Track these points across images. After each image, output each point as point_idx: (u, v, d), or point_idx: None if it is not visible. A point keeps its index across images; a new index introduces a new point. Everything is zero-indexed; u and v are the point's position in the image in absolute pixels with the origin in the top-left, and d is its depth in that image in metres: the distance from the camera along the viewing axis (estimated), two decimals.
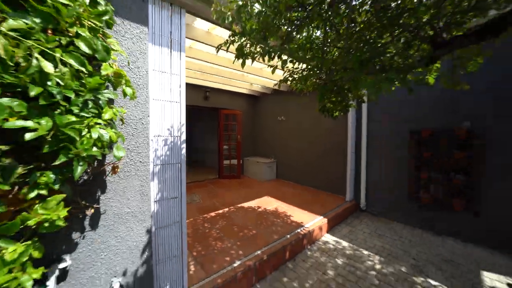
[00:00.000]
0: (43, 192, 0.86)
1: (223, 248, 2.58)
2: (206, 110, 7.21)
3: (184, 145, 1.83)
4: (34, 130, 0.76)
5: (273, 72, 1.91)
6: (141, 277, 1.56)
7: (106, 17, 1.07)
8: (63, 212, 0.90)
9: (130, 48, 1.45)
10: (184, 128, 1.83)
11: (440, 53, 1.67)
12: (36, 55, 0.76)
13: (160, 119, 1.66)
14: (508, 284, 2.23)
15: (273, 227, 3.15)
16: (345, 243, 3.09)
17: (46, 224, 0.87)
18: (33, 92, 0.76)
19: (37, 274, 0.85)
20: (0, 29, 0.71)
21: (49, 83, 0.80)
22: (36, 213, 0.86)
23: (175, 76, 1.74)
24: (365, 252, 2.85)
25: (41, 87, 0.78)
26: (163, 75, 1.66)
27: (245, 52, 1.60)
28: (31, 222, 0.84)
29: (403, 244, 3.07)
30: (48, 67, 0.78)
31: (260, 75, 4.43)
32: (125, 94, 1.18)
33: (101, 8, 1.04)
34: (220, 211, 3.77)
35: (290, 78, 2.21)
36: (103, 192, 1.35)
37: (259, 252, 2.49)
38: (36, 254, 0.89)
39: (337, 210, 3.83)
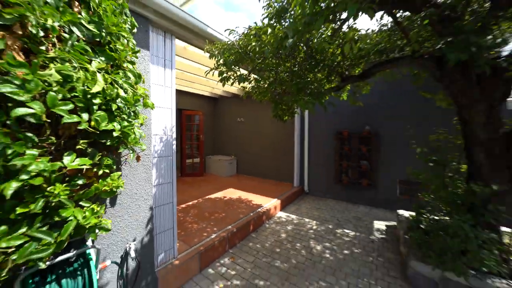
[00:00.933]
0: (107, 170, 1.31)
1: (200, 228, 3.12)
2: None
3: (174, 142, 2.33)
4: (112, 130, 1.22)
5: (244, 95, 2.62)
6: (145, 244, 2.01)
7: (136, 52, 1.54)
8: (121, 183, 1.35)
9: (139, 67, 1.89)
10: (174, 129, 2.33)
11: (344, 84, 2.74)
12: (116, 85, 1.23)
13: (157, 121, 2.13)
14: (386, 226, 3.62)
15: (239, 209, 3.85)
16: (293, 216, 4.08)
17: (108, 191, 1.32)
18: (114, 107, 1.22)
19: (97, 220, 1.29)
20: (93, 68, 1.16)
21: (118, 101, 1.27)
22: (102, 184, 1.30)
23: (168, 88, 2.23)
24: (307, 220, 3.89)
25: (115, 104, 1.24)
26: (160, 88, 2.14)
27: (224, 76, 2.25)
28: (99, 190, 1.28)
29: (332, 212, 4.28)
30: (122, 93, 1.25)
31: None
32: (146, 105, 1.65)
33: (132, 47, 1.52)
34: (190, 203, 4.21)
35: (254, 92, 2.96)
36: (121, 177, 1.77)
37: (230, 227, 3.15)
38: (100, 211, 1.32)
39: (287, 194, 4.84)
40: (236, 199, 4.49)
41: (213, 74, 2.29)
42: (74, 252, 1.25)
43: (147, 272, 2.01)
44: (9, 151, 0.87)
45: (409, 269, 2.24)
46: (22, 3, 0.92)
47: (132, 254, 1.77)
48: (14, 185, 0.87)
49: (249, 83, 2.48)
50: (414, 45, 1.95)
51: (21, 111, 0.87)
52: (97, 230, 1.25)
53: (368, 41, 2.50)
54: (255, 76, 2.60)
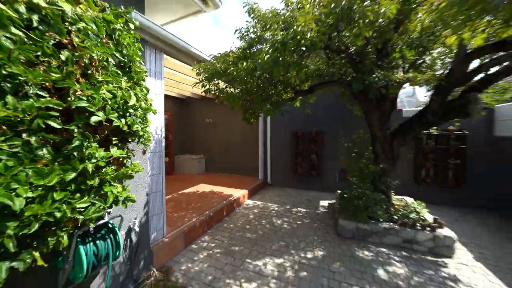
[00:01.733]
0: (129, 159, 1.78)
1: (180, 216, 3.58)
2: None
3: (163, 140, 2.80)
4: (136, 131, 1.71)
5: (219, 101, 3.25)
6: (143, 224, 2.45)
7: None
8: (142, 169, 1.84)
9: None
10: (163, 129, 2.80)
11: (296, 96, 3.64)
12: (141, 100, 1.72)
13: (152, 123, 2.59)
14: (328, 203, 4.76)
15: (212, 200, 4.42)
16: (259, 202, 4.87)
17: (128, 175, 1.80)
18: (138, 114, 1.71)
19: (126, 194, 1.77)
20: (125, 86, 1.65)
21: (139, 109, 1.76)
22: (125, 170, 1.76)
23: (159, 95, 2.70)
24: (270, 204, 4.74)
25: (138, 111, 1.74)
26: (153, 95, 2.60)
27: (206, 88, 2.84)
28: (124, 174, 1.76)
29: (289, 197, 5.25)
30: (142, 104, 1.75)
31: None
32: (153, 112, 2.13)
33: (145, 69, 2.00)
34: (166, 198, 4.55)
35: (227, 99, 3.60)
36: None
37: (207, 212, 3.71)
38: (127, 188, 1.78)
39: (253, 186, 5.62)
40: (209, 192, 5.03)
41: (197, 87, 2.85)
42: (109, 218, 1.71)
43: (144, 247, 2.46)
44: (85, 144, 1.34)
45: (338, 226, 3.27)
46: (87, 47, 1.39)
47: (137, 229, 2.22)
48: (90, 165, 1.34)
49: (223, 94, 3.14)
50: (338, 74, 2.96)
51: (94, 119, 1.35)
52: (126, 202, 1.73)
53: (311, 66, 3.45)
54: (229, 87, 3.28)
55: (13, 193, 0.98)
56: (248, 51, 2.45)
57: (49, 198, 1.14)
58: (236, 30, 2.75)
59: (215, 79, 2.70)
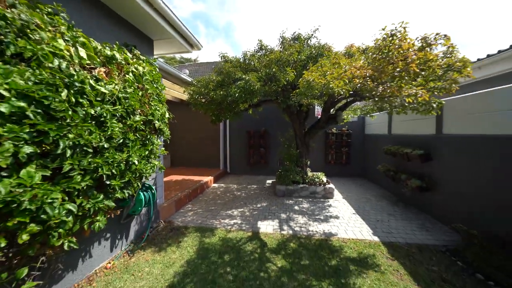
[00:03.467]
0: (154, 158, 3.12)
1: (168, 193, 4.83)
2: None
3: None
4: (162, 129, 3.07)
5: (194, 108, 4.72)
6: (154, 193, 3.73)
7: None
8: (165, 152, 3.18)
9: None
10: None
11: (250, 108, 5.47)
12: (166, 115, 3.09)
13: None
14: (272, 181, 6.80)
15: (188, 184, 5.75)
16: (222, 184, 6.48)
17: (158, 155, 3.15)
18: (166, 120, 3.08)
19: (161, 166, 3.13)
20: (162, 107, 3.01)
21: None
22: (162, 151, 3.10)
23: None
24: (231, 185, 6.42)
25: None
26: None
27: (193, 101, 4.29)
28: (161, 153, 3.11)
29: (245, 180, 7.06)
30: (167, 114, 3.12)
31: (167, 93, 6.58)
32: (170, 119, 3.45)
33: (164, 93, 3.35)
34: None
35: (201, 107, 5.06)
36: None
37: (187, 190, 5.08)
38: (161, 164, 3.11)
39: (216, 174, 7.16)
40: (182, 179, 6.28)
41: (189, 101, 4.26)
42: (148, 181, 3.06)
43: (155, 207, 3.74)
44: (150, 136, 2.71)
45: (276, 189, 5.26)
46: (149, 88, 2.73)
47: (154, 191, 3.53)
48: (151, 147, 2.71)
49: (201, 104, 4.63)
50: (274, 97, 4.90)
51: (157, 124, 2.73)
52: (160, 170, 3.11)
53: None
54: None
55: (136, 158, 2.38)
56: (221, 84, 4.06)
57: (143, 161, 2.53)
58: (213, 67, 4.30)
59: (199, 97, 4.19)
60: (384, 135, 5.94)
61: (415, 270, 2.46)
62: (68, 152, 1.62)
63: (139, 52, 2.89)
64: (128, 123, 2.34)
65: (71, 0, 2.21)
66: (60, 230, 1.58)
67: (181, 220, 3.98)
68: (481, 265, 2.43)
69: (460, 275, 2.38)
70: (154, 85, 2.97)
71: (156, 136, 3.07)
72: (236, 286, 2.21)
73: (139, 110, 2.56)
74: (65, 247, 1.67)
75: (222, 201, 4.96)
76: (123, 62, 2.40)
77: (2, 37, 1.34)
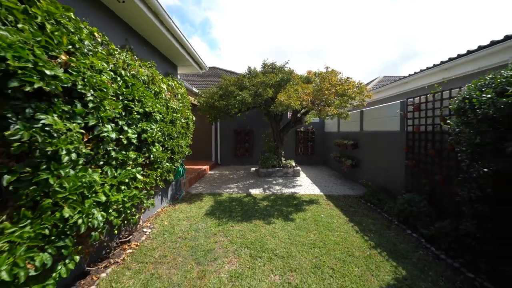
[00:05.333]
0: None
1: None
2: None
3: None
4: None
5: (200, 112, 6.43)
6: (184, 168, 5.38)
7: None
8: (189, 151, 4.85)
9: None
10: None
11: (240, 112, 7.34)
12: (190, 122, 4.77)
13: None
14: (255, 169, 8.73)
15: (190, 171, 7.38)
16: (216, 172, 8.23)
17: (187, 152, 4.82)
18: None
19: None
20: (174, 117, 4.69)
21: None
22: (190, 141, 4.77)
23: None
24: (223, 172, 8.20)
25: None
26: None
27: (202, 108, 5.98)
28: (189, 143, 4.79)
29: (234, 168, 8.88)
30: (193, 118, 4.79)
31: None
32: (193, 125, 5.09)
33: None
34: None
35: (204, 111, 6.73)
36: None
37: (193, 173, 6.74)
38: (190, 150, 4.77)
39: (210, 164, 8.86)
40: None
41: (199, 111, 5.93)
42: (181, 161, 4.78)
43: (184, 178, 5.38)
44: (181, 136, 4.41)
45: (259, 172, 7.21)
46: (182, 110, 4.41)
47: (185, 167, 5.20)
48: (183, 143, 4.41)
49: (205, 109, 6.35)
50: (257, 105, 6.82)
51: (183, 121, 4.43)
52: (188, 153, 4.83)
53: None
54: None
55: (184, 143, 4.12)
56: (223, 96, 5.84)
57: (184, 146, 4.26)
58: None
59: (206, 104, 5.92)
60: (336, 132, 8.29)
61: (338, 204, 4.60)
62: (166, 139, 3.34)
63: (178, 78, 4.57)
64: (181, 123, 4.04)
65: (138, 44, 3.85)
66: (166, 174, 3.30)
67: (195, 191, 5.68)
68: (370, 199, 4.67)
69: (360, 204, 4.58)
70: (185, 98, 4.67)
71: (188, 131, 4.78)
72: (242, 212, 4.08)
73: (184, 116, 4.25)
74: (160, 186, 3.38)
75: (221, 181, 6.73)
76: (174, 87, 4.09)
77: (131, 102, 3.03)
